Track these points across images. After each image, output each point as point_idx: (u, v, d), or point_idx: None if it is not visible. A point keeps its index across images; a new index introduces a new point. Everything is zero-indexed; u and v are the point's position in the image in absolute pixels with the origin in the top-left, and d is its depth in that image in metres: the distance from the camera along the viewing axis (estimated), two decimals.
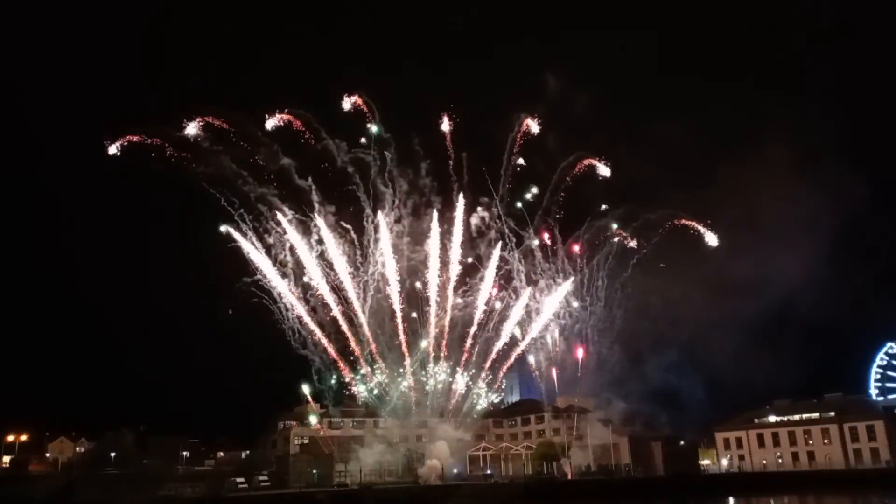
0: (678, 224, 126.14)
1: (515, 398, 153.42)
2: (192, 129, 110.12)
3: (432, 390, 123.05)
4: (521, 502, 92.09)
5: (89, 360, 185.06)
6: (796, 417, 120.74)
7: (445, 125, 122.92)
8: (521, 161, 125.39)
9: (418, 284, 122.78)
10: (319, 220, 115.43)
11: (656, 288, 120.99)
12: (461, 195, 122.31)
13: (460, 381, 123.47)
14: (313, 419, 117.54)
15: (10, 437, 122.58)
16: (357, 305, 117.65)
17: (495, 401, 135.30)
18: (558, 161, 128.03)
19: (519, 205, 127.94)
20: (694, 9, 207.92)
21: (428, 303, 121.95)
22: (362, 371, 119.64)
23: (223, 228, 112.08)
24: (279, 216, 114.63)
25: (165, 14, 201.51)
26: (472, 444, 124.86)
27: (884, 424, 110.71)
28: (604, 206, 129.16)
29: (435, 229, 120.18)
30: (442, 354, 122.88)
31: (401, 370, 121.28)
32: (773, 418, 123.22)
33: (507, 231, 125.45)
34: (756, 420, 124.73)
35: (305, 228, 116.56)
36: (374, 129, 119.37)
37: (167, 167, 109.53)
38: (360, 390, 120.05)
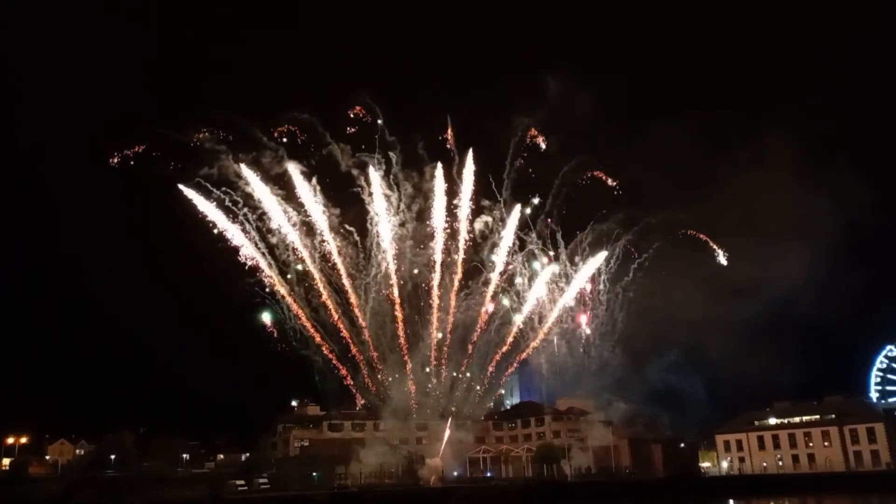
0: (683, 234, 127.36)
1: (516, 400, 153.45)
2: (197, 132, 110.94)
3: (432, 391, 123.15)
4: None
5: (89, 362, 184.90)
6: (797, 419, 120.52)
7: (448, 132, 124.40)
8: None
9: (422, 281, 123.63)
10: (322, 221, 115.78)
11: (657, 290, 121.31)
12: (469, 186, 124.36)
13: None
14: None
15: (10, 440, 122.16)
16: (358, 307, 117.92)
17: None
18: (559, 164, 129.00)
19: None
20: (694, 9, 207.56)
21: (430, 299, 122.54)
22: (363, 373, 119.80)
23: (223, 228, 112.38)
24: (279, 217, 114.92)
25: (166, 16, 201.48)
26: (472, 446, 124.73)
27: (884, 427, 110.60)
28: (603, 211, 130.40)
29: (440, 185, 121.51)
30: (443, 357, 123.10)
31: (403, 371, 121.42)
32: (773, 420, 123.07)
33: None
34: (756, 422, 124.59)
35: (309, 229, 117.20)
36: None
37: (170, 171, 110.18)
38: (361, 392, 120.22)
